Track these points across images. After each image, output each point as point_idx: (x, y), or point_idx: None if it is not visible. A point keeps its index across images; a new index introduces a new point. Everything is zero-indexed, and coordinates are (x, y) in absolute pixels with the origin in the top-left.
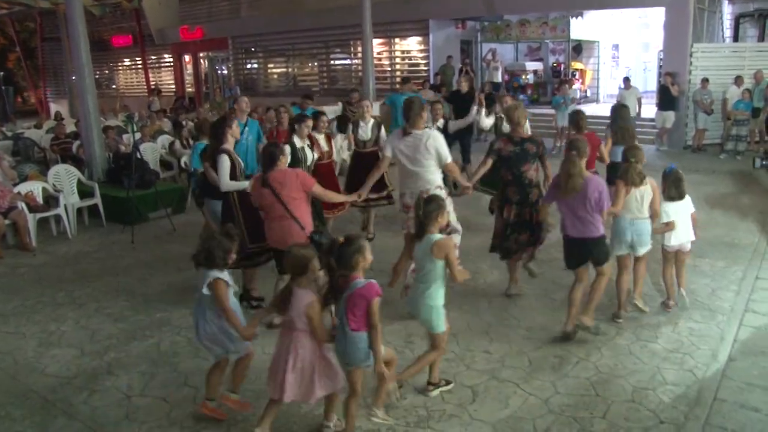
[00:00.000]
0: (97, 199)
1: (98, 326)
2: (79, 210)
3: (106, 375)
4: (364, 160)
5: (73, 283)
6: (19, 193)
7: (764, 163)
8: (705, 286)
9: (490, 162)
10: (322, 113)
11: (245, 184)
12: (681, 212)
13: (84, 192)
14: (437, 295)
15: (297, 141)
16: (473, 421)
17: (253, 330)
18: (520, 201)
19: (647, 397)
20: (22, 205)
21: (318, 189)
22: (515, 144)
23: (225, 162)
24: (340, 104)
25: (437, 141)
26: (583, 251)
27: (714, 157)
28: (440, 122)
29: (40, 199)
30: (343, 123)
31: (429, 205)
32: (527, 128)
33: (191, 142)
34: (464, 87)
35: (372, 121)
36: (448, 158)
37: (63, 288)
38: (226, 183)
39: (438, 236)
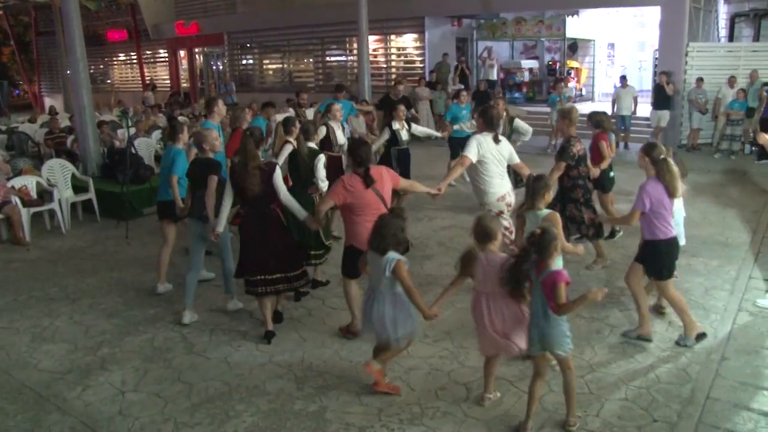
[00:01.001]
0: (92, 194)
1: (92, 321)
2: (73, 205)
3: (99, 370)
4: (336, 162)
5: (67, 278)
6: (13, 187)
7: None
8: (698, 285)
9: (563, 166)
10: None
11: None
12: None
13: (78, 187)
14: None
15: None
16: (467, 418)
17: (437, 310)
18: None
19: (641, 395)
20: (15, 199)
21: (405, 183)
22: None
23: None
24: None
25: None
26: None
27: (709, 156)
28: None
29: (34, 194)
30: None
31: (537, 183)
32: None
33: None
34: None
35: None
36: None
37: (56, 283)
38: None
39: (546, 211)
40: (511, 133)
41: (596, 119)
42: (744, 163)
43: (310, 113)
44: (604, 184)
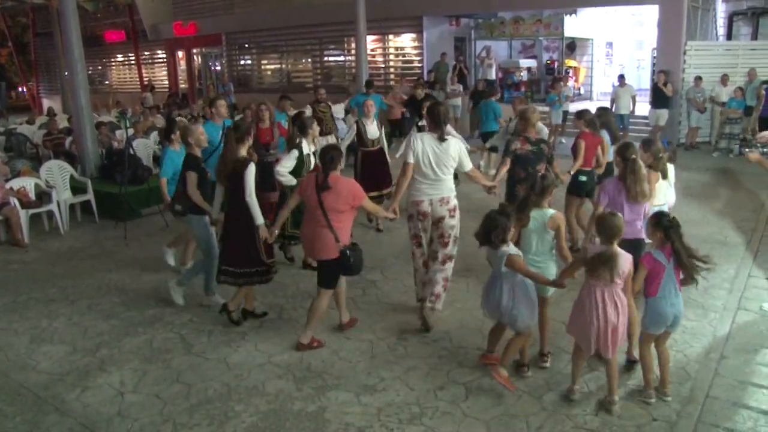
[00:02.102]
0: (90, 195)
1: (90, 323)
2: (71, 206)
3: (98, 371)
4: (371, 158)
5: (66, 279)
6: (11, 188)
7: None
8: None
9: (509, 161)
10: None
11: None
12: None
13: (77, 188)
14: (550, 273)
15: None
16: (466, 418)
17: (563, 281)
18: None
19: (640, 394)
20: (14, 200)
21: (368, 204)
22: (532, 144)
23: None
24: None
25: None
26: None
27: (707, 155)
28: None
29: (32, 195)
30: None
31: (545, 180)
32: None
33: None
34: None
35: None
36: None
37: (55, 284)
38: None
39: (552, 210)
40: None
41: (586, 118)
42: (743, 162)
43: (339, 109)
44: (570, 187)
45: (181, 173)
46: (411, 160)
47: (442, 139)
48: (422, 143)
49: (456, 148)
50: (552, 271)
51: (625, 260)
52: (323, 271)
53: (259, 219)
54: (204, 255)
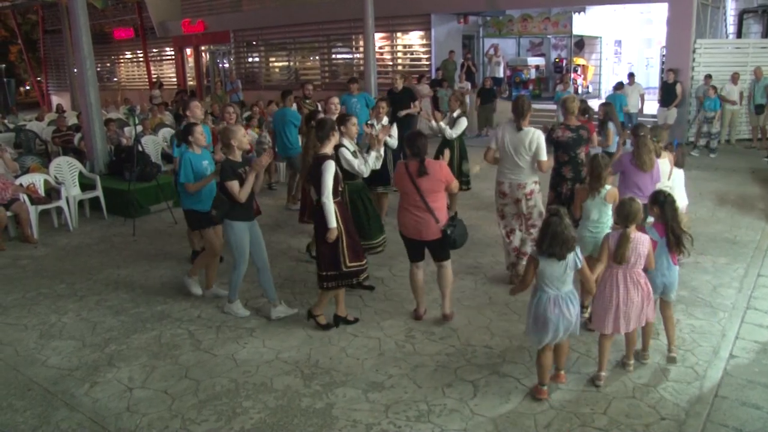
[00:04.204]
0: (99, 192)
1: (99, 318)
2: (80, 202)
3: (107, 367)
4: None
5: (74, 275)
6: (21, 185)
7: None
8: (706, 283)
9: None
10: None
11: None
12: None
13: (85, 184)
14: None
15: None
16: (474, 415)
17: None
18: (573, 178)
19: (648, 393)
20: (23, 197)
21: (455, 185)
22: (572, 131)
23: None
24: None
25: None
26: None
27: (719, 153)
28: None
29: (41, 192)
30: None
31: (604, 159)
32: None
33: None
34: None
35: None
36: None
37: (64, 280)
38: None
39: (609, 186)
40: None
41: (580, 107)
42: (754, 160)
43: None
44: None
45: (221, 180)
46: (493, 145)
47: (519, 128)
48: (503, 131)
49: (531, 138)
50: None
51: (643, 242)
52: (433, 248)
53: (332, 222)
54: (235, 262)
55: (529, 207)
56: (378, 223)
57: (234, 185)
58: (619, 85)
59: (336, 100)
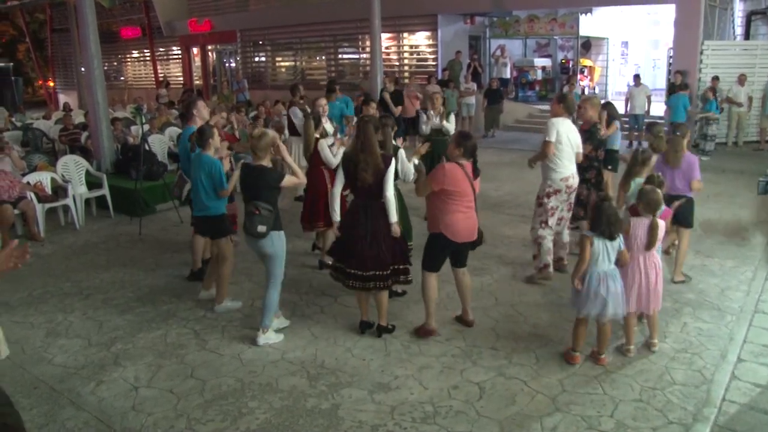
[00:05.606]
0: (105, 191)
1: (105, 317)
2: (87, 201)
3: (113, 366)
4: None
5: (81, 273)
6: (28, 183)
7: None
8: (714, 286)
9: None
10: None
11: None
12: None
13: (92, 183)
14: None
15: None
16: (480, 417)
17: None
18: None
19: (655, 396)
20: (31, 195)
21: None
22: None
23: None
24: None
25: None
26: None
27: (723, 155)
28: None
29: (48, 190)
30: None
31: (644, 153)
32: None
33: None
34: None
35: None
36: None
37: (70, 278)
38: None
39: (642, 178)
40: None
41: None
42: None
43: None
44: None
45: (250, 186)
46: (553, 138)
47: (574, 122)
48: (563, 125)
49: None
50: None
51: (662, 228)
52: (464, 250)
53: (394, 216)
54: (274, 279)
55: (572, 198)
56: (409, 226)
57: (291, 178)
58: (684, 86)
59: (323, 101)
